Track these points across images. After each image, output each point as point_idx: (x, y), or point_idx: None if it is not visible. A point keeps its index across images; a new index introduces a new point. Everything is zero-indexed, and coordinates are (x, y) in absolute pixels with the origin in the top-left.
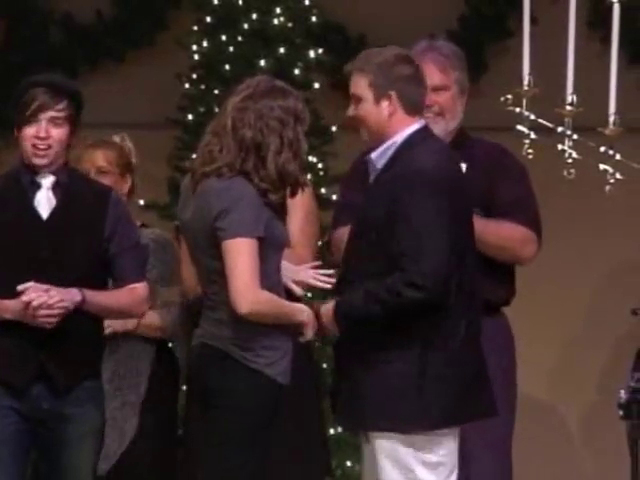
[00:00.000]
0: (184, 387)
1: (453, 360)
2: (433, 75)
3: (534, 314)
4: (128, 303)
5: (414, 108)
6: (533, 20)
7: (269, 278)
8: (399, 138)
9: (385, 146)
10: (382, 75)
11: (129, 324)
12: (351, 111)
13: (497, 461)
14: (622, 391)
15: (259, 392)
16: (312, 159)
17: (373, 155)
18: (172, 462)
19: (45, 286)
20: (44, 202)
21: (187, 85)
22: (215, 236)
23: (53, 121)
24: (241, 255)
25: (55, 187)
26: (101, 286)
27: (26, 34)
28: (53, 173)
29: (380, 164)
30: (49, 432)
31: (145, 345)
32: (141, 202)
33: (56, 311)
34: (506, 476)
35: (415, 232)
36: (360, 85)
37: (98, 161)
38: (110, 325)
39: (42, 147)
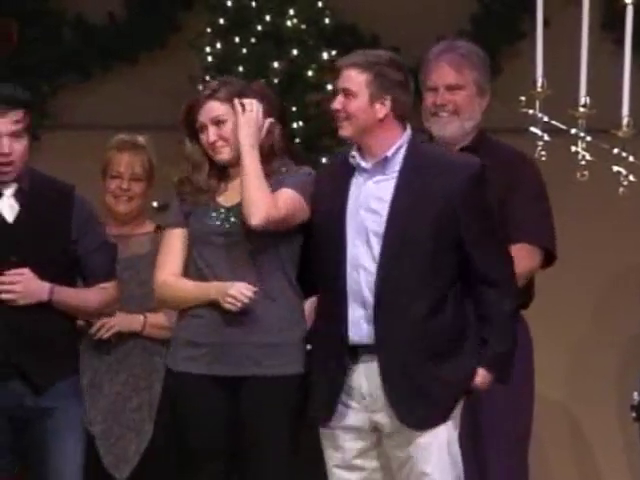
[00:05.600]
0: None
1: None
2: (447, 74)
3: (546, 316)
4: (98, 301)
5: (402, 114)
6: (546, 22)
7: None
8: (402, 143)
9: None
10: (381, 78)
11: (134, 324)
12: (338, 104)
13: (513, 463)
14: (635, 393)
15: (167, 386)
16: (326, 160)
17: (389, 154)
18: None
19: (26, 271)
20: (7, 209)
21: (200, 87)
22: None
23: (13, 135)
24: None
25: (17, 193)
26: (71, 286)
27: (38, 36)
28: (15, 180)
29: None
30: (33, 429)
31: (158, 346)
32: (154, 204)
33: (14, 295)
34: (522, 478)
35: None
36: (356, 82)
37: (135, 167)
38: (115, 325)
39: (6, 164)
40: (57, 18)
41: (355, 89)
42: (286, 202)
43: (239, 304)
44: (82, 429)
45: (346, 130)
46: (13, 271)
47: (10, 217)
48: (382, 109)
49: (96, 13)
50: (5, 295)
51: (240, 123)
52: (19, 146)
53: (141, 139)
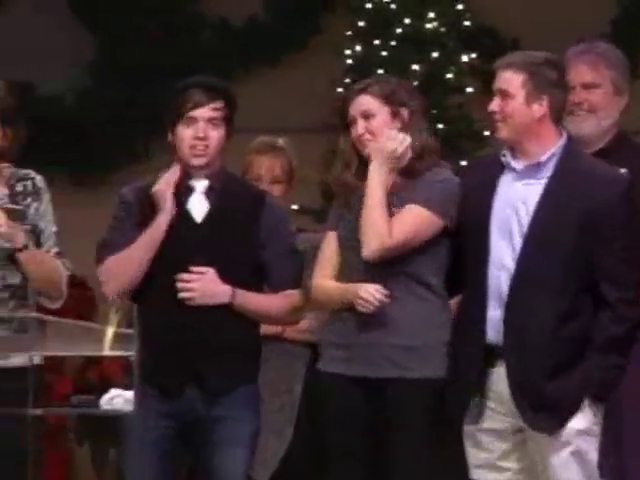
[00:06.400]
0: None
1: None
2: (584, 73)
3: None
4: (280, 309)
5: (559, 116)
6: None
7: None
8: (556, 150)
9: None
10: (537, 77)
11: (273, 327)
12: (495, 106)
13: None
14: None
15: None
16: (465, 163)
17: (543, 159)
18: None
19: (209, 272)
20: (197, 206)
21: (341, 89)
22: None
23: (211, 122)
24: None
25: (209, 192)
26: (256, 291)
27: (180, 37)
28: (207, 177)
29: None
30: (202, 434)
31: (300, 348)
32: (294, 206)
33: (192, 293)
34: None
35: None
36: (512, 82)
37: (275, 170)
38: None
39: (201, 149)
40: (198, 20)
41: (511, 90)
42: (404, 227)
43: (370, 306)
44: (253, 442)
45: (503, 131)
46: (195, 269)
47: (199, 217)
48: (539, 109)
49: (237, 15)
50: (182, 294)
51: (376, 152)
52: (215, 134)
53: (281, 141)
